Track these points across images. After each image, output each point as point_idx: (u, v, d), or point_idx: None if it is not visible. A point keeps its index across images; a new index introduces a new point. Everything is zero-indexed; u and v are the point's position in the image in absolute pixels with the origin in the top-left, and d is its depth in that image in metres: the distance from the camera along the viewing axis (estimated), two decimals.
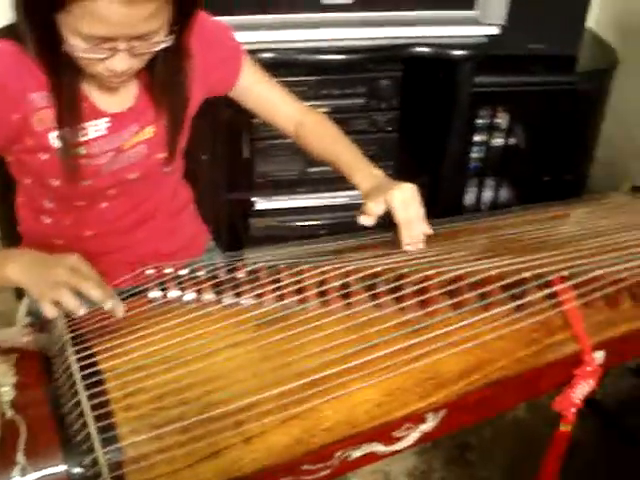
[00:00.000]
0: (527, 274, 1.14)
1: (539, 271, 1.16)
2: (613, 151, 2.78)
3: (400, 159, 2.35)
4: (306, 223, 2.36)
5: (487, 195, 2.49)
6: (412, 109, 2.32)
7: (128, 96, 1.26)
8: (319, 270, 1.13)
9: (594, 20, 2.71)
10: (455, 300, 1.10)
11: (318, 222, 2.36)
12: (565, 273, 1.16)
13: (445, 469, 2.02)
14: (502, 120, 2.39)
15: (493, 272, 1.13)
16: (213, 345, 1.01)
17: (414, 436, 1.01)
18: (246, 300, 1.09)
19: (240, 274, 1.14)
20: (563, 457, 1.25)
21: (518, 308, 1.11)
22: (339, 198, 2.32)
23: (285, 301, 1.09)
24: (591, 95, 2.31)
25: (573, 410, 1.18)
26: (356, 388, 0.97)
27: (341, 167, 1.33)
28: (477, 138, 2.36)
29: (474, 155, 2.38)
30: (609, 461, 2.04)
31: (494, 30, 2.10)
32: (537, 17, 2.17)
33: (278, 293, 1.10)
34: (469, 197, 2.45)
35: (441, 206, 2.33)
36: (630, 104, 2.69)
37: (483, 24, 2.09)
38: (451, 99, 2.18)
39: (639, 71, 2.60)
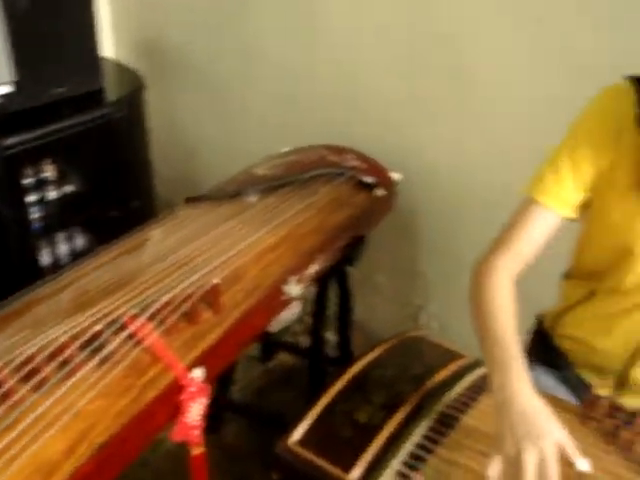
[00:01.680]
0: (99, 326, 1.12)
1: (111, 317, 1.15)
2: (175, 168, 2.87)
3: None
4: None
5: (63, 249, 2.42)
6: None
7: None
8: None
9: (113, 49, 2.76)
10: (35, 381, 1.05)
11: None
12: (136, 310, 1.17)
13: None
14: (50, 173, 2.32)
15: (64, 337, 1.10)
16: None
17: None
18: None
19: None
20: (209, 474, 1.26)
21: (102, 362, 1.09)
22: None
23: None
24: (127, 121, 2.34)
25: (196, 432, 1.19)
26: None
27: None
28: (31, 198, 2.27)
29: (34, 216, 2.29)
30: (264, 451, 2.11)
31: (6, 89, 2.03)
32: (50, 63, 2.14)
33: None
34: (45, 259, 2.36)
35: (17, 279, 2.21)
36: (174, 121, 2.79)
37: None
38: None
39: (170, 88, 2.70)
